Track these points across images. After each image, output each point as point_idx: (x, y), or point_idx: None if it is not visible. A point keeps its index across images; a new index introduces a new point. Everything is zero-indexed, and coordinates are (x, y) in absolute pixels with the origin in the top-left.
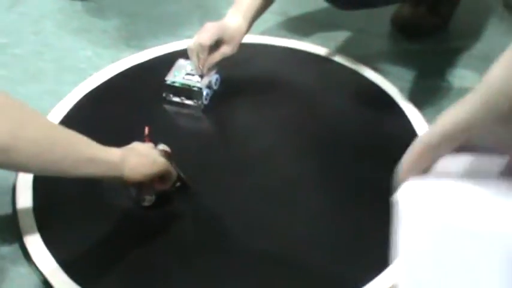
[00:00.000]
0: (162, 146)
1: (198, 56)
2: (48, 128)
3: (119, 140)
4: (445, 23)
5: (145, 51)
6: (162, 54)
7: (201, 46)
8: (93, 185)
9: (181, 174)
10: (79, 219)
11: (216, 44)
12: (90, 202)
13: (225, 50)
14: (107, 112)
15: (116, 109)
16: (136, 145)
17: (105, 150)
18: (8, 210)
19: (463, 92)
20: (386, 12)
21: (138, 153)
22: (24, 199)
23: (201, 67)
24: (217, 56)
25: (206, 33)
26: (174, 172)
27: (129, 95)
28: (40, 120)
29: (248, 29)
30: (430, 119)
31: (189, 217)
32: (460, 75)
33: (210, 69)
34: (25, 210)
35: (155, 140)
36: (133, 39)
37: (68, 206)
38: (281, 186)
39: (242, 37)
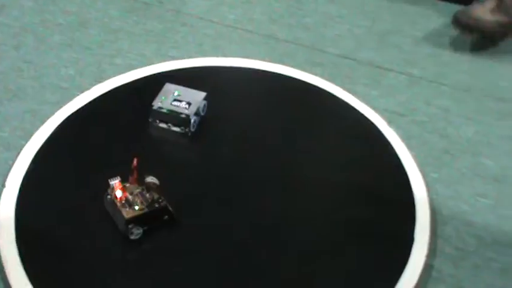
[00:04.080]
0: (151, 179)
1: None
2: None
3: (105, 167)
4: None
5: (131, 72)
6: (148, 75)
7: None
8: (78, 217)
9: (169, 207)
10: (63, 251)
11: None
12: (76, 233)
13: None
14: (91, 137)
15: (100, 134)
16: None
17: None
18: None
19: (444, 123)
20: (373, 39)
21: None
22: (7, 231)
23: None
24: None
25: None
26: None
27: (114, 118)
28: None
29: None
30: (417, 154)
31: (177, 251)
32: (443, 106)
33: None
34: (8, 242)
35: (142, 171)
36: (117, 57)
37: (51, 237)
38: (271, 217)
39: None
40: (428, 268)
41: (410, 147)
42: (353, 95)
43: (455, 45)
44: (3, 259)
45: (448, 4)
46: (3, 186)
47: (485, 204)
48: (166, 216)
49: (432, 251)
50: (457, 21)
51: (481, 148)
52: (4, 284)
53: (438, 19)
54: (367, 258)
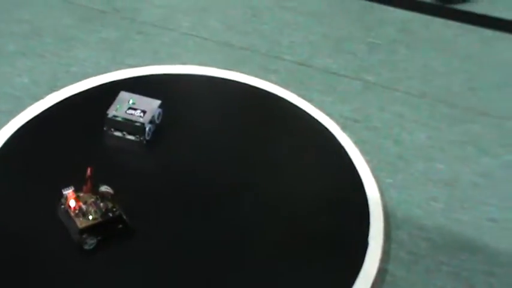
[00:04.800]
0: (105, 188)
1: None
2: None
3: (59, 177)
4: None
5: (86, 80)
6: (103, 83)
7: None
8: (31, 227)
9: (124, 217)
10: (15, 262)
11: None
12: (29, 243)
13: None
14: (45, 146)
15: (54, 143)
16: None
17: None
18: None
19: (398, 128)
20: (328, 46)
21: None
22: None
23: None
24: None
25: None
26: None
27: (68, 127)
28: None
29: None
30: (371, 159)
31: (132, 260)
32: (397, 112)
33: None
34: None
35: (97, 180)
36: (72, 66)
37: (3, 248)
38: (225, 225)
39: None
40: (382, 272)
41: (364, 152)
42: (308, 101)
43: (409, 52)
44: None
45: (402, 11)
46: None
47: (437, 208)
48: (120, 226)
49: (386, 256)
50: None
51: (433, 153)
52: None
53: (392, 25)
54: (321, 264)
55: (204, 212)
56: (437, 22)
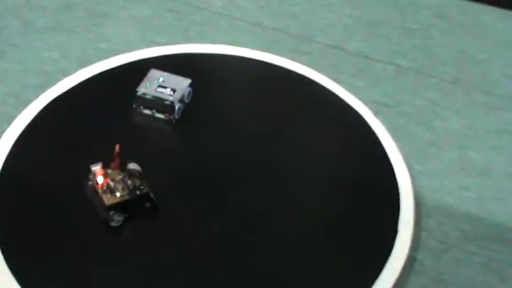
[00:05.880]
0: (132, 165)
1: None
2: None
3: (87, 153)
4: None
5: (116, 57)
6: (133, 60)
7: None
8: (58, 203)
9: (151, 195)
10: (43, 237)
11: None
12: (56, 219)
13: None
14: (73, 122)
15: (83, 119)
16: None
17: None
18: None
19: (431, 115)
20: (361, 29)
21: None
22: None
23: None
24: None
25: None
26: None
27: (97, 103)
28: None
29: None
30: (403, 145)
31: (158, 239)
32: (430, 98)
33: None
34: None
35: (125, 157)
36: (102, 42)
37: (31, 223)
38: (253, 207)
39: None
40: (410, 260)
41: (396, 138)
42: (339, 85)
43: (445, 37)
44: None
45: None
46: None
47: (469, 197)
48: (147, 204)
49: (415, 244)
50: None
51: (467, 141)
52: None
53: (428, 10)
54: (350, 250)
55: (231, 192)
56: (475, 7)
